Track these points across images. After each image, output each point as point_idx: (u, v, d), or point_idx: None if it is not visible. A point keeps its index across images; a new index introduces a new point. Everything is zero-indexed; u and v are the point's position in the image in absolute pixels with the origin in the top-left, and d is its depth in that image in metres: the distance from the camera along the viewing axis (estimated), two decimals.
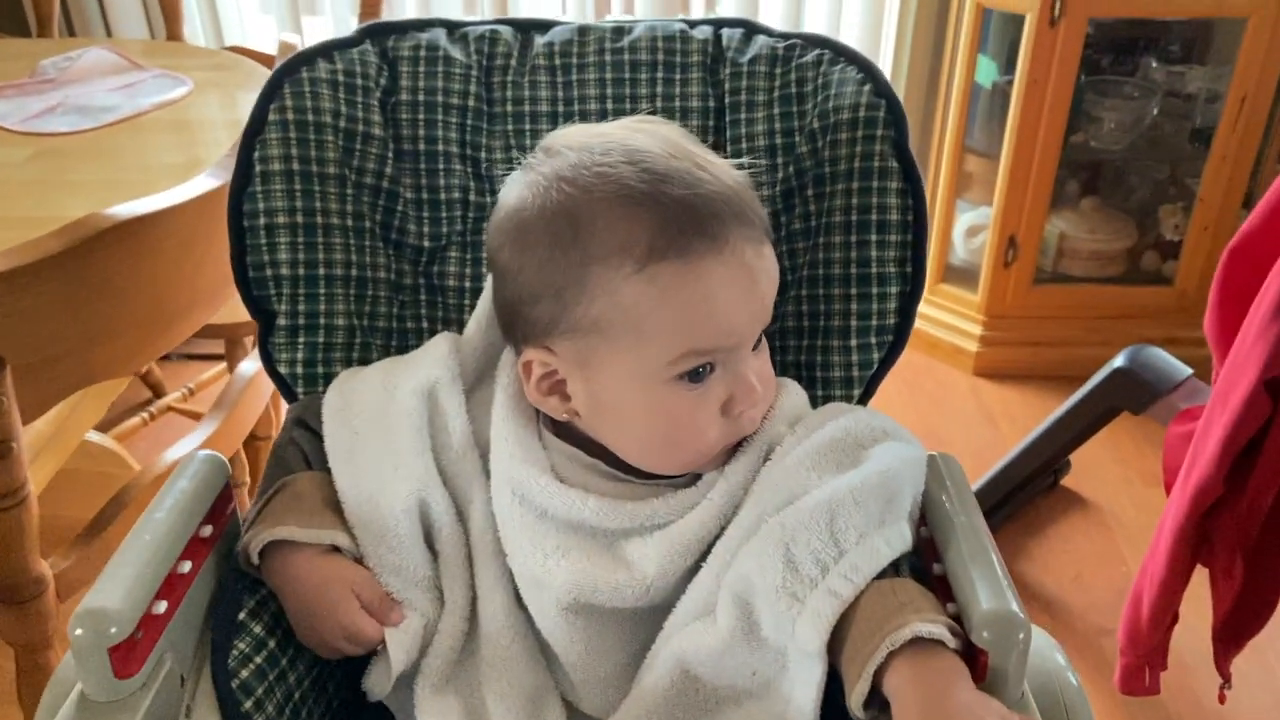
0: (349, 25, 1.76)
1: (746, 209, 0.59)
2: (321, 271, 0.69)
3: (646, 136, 0.60)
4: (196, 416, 1.66)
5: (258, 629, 0.59)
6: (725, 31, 0.76)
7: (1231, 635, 1.15)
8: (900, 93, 2.16)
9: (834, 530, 0.55)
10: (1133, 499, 1.75)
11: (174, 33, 1.69)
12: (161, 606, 0.54)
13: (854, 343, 0.70)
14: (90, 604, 0.51)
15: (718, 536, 0.60)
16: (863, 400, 0.71)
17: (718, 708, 0.59)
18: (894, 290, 0.70)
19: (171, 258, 0.75)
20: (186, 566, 0.57)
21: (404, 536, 0.61)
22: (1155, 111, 1.94)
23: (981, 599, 0.52)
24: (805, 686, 0.55)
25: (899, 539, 0.57)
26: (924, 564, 0.60)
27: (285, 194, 0.68)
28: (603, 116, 0.75)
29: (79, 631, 0.50)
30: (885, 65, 2.18)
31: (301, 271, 0.69)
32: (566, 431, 0.64)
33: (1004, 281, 2.04)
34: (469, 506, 0.63)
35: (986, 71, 1.98)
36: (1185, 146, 1.98)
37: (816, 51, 0.73)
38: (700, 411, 0.60)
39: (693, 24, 0.77)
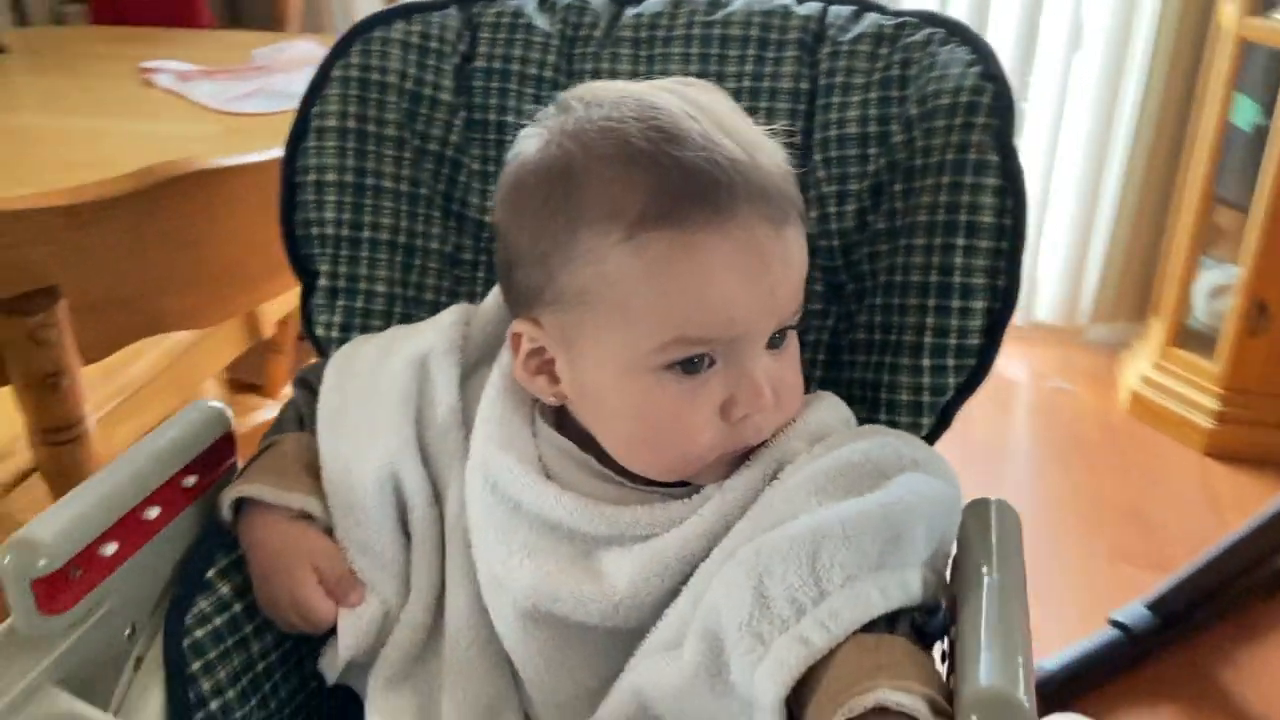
0: None
1: (767, 183, 0.51)
2: (366, 234, 0.67)
3: (673, 96, 0.53)
4: None
5: (225, 589, 0.56)
6: (834, 9, 0.68)
7: None
8: (1150, 131, 1.97)
9: (816, 567, 0.46)
10: None
11: None
12: (111, 548, 0.52)
13: (926, 362, 0.60)
14: (23, 533, 0.49)
15: (704, 559, 0.52)
16: (934, 434, 0.60)
17: None
18: (979, 305, 0.59)
19: (250, 215, 0.75)
20: (153, 513, 0.55)
21: (371, 510, 0.56)
22: None
23: (981, 674, 0.41)
24: None
25: (899, 589, 0.47)
26: (948, 626, 0.49)
27: (338, 152, 0.66)
28: None
29: (7, 559, 0.49)
30: (1130, 97, 1.99)
31: (346, 232, 0.67)
32: (564, 422, 0.58)
33: (1249, 352, 1.80)
34: (446, 489, 0.58)
35: (1245, 112, 1.75)
36: None
37: (928, 30, 0.64)
38: (691, 409, 0.52)
39: (800, 1, 0.69)
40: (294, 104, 1.33)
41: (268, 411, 1.32)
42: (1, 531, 0.77)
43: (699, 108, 0.52)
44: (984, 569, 0.48)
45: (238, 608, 0.57)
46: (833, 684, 0.43)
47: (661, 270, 0.50)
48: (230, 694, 0.55)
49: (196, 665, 0.54)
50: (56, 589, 0.50)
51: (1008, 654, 0.42)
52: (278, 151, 0.76)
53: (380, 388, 0.59)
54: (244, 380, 1.56)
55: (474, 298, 0.71)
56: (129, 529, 0.54)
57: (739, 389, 0.52)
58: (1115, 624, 1.46)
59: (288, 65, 1.51)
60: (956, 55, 0.61)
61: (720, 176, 0.49)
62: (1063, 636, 1.48)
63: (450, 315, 0.62)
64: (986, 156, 0.59)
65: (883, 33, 0.65)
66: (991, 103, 0.59)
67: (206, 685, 0.54)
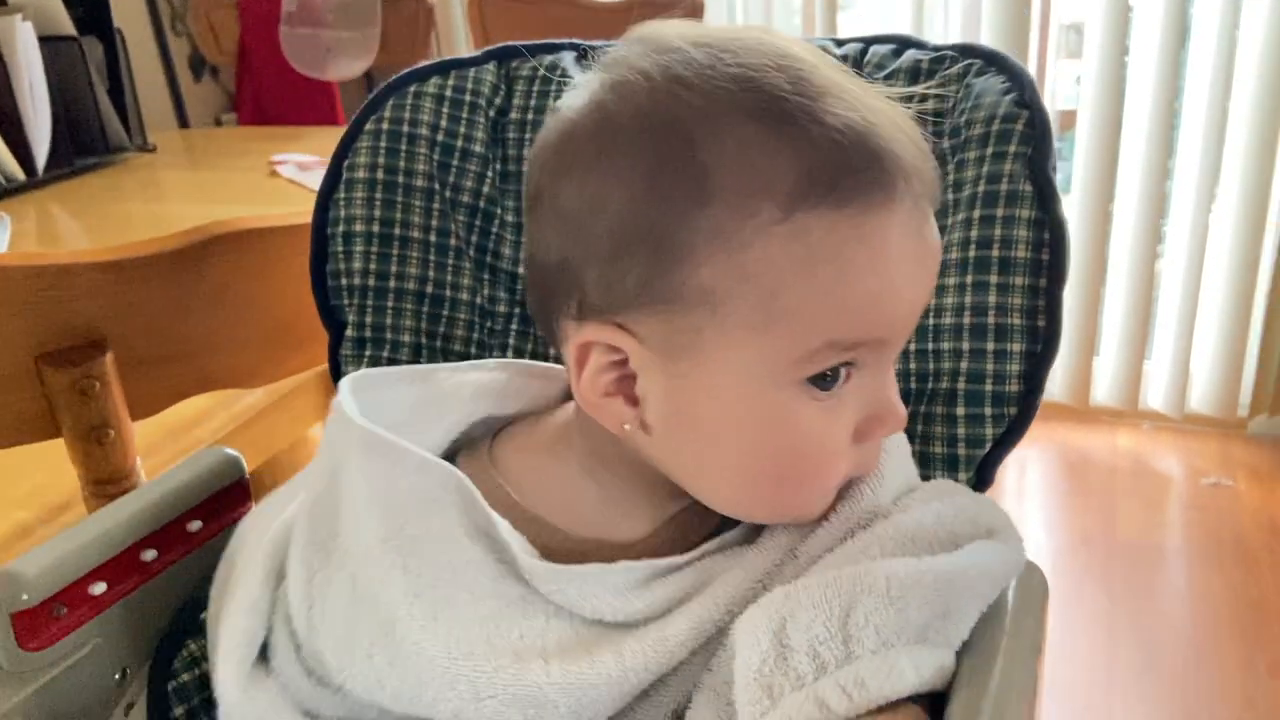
0: None
1: (924, 159, 0.43)
2: (392, 284, 0.66)
3: (795, 43, 0.43)
4: None
5: None
6: (874, 47, 0.64)
7: None
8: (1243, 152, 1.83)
9: (848, 623, 0.40)
10: None
11: None
12: (100, 588, 0.52)
13: (960, 411, 0.54)
14: (8, 566, 0.49)
15: None
16: (975, 490, 0.54)
17: None
18: (1017, 348, 0.53)
19: (300, 275, 0.75)
20: (149, 555, 0.54)
21: None
22: None
23: None
24: None
25: (934, 669, 0.40)
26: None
27: (366, 202, 0.67)
28: None
29: None
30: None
31: (373, 282, 0.66)
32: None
33: None
34: None
35: None
36: None
37: (965, 62, 0.59)
38: (831, 432, 0.44)
39: (841, 42, 0.66)
40: None
41: None
42: None
43: (829, 60, 0.43)
44: (998, 636, 0.41)
45: None
46: None
47: (824, 260, 0.41)
48: None
49: (179, 710, 0.53)
50: (38, 624, 0.49)
51: None
52: None
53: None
54: None
55: (506, 350, 0.69)
56: (122, 569, 0.53)
57: (879, 406, 0.45)
58: None
59: None
60: (991, 84, 0.57)
61: (886, 144, 0.41)
62: None
63: None
64: (1019, 186, 0.53)
65: (919, 67, 0.61)
66: (1025, 130, 0.54)
67: None
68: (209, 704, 0.54)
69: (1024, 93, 0.55)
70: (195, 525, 0.57)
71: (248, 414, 0.92)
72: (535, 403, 0.56)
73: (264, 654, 0.49)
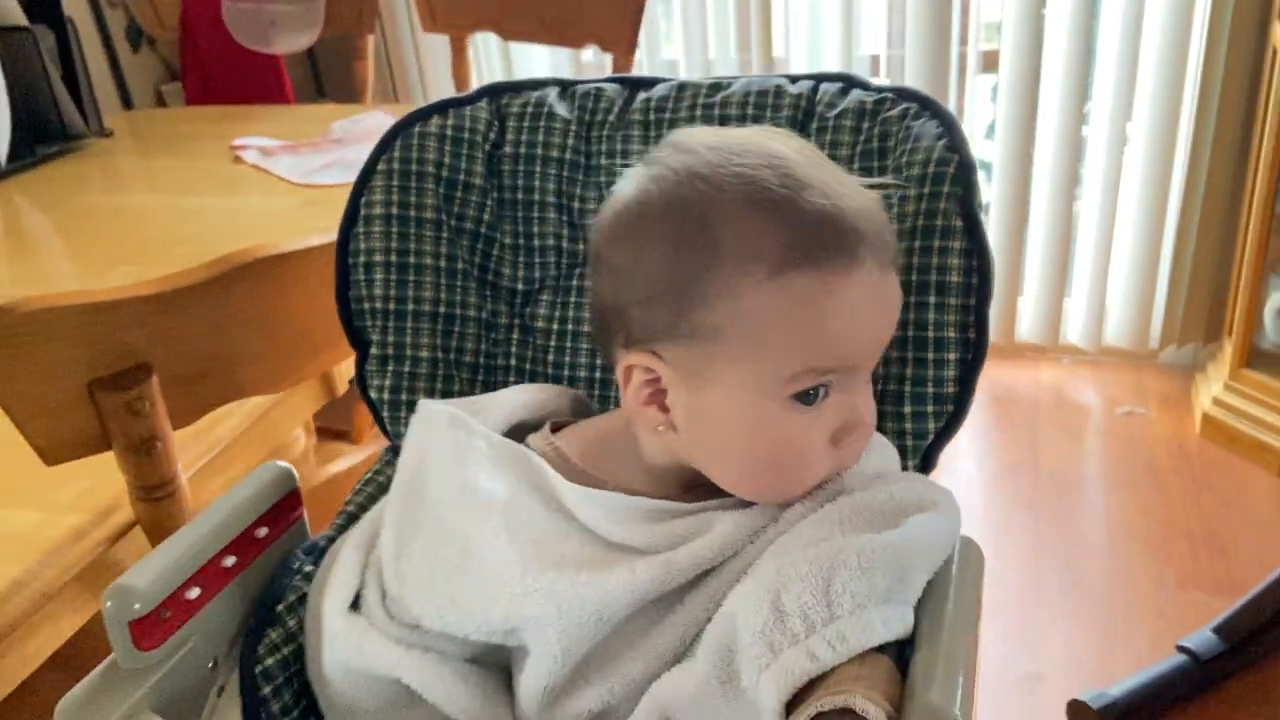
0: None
1: (883, 230, 0.57)
2: (410, 307, 0.75)
3: (783, 144, 0.58)
4: None
5: (291, 623, 0.64)
6: (824, 86, 0.74)
7: None
8: (1206, 154, 1.97)
9: (830, 591, 0.51)
10: None
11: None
12: (195, 592, 0.61)
13: (907, 409, 0.66)
14: (121, 581, 0.58)
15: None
16: (920, 473, 0.66)
17: None
18: (952, 357, 0.65)
19: (311, 292, 0.84)
20: (230, 561, 0.64)
21: None
22: None
23: (927, 691, 0.47)
24: None
25: (899, 623, 0.52)
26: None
27: (383, 235, 0.75)
28: None
29: (108, 604, 0.57)
30: (1187, 121, 1.99)
31: (393, 306, 0.75)
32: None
33: None
34: None
35: None
36: None
37: (904, 105, 0.70)
38: (810, 436, 0.57)
39: (794, 79, 0.76)
40: None
41: (352, 458, 1.42)
42: (110, 575, 0.88)
43: (810, 155, 0.58)
44: (944, 601, 0.53)
45: (302, 638, 0.65)
46: (821, 685, 0.49)
47: (801, 308, 0.54)
48: (295, 713, 0.63)
49: (267, 689, 0.62)
50: (150, 629, 0.58)
51: (952, 678, 0.48)
52: (328, 237, 0.86)
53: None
54: (331, 428, 1.67)
55: (509, 357, 0.79)
56: (210, 575, 0.62)
57: (849, 417, 0.58)
58: (1183, 650, 1.46)
59: (362, 137, 1.63)
60: (927, 129, 0.67)
61: (852, 224, 0.55)
62: (1132, 664, 1.49)
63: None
64: (952, 222, 0.64)
65: (864, 108, 0.71)
66: (955, 173, 0.65)
67: (275, 707, 0.62)
68: (290, 681, 0.64)
69: (954, 138, 0.66)
70: (262, 532, 0.67)
71: (257, 411, 1.00)
72: (551, 410, 0.71)
73: (354, 609, 0.63)
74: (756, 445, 0.58)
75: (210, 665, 0.63)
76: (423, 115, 0.78)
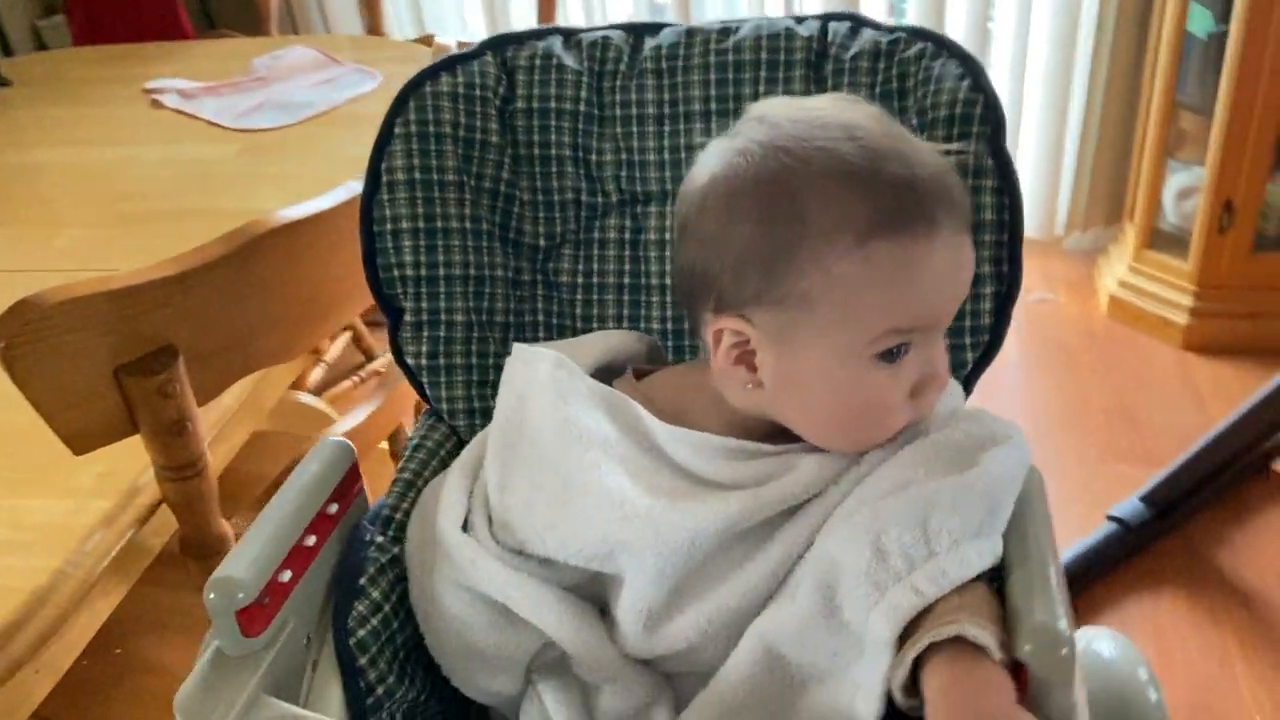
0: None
1: (957, 195, 0.60)
2: (441, 272, 0.76)
3: (860, 113, 0.60)
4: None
5: (375, 594, 0.66)
6: (832, 25, 0.76)
7: None
8: (1107, 44, 2.05)
9: (928, 529, 0.56)
10: None
11: (375, 27, 1.82)
12: (286, 575, 0.62)
13: (946, 342, 0.70)
14: (221, 572, 0.59)
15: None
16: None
17: (802, 687, 0.60)
18: (988, 290, 0.69)
19: (322, 257, 0.83)
20: (311, 540, 0.65)
21: None
22: None
23: (1032, 611, 0.52)
24: (872, 675, 0.56)
25: (990, 553, 0.57)
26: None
27: (408, 201, 0.75)
28: (707, 118, 0.77)
29: (212, 596, 0.58)
30: (1089, 12, 2.06)
31: (424, 272, 0.75)
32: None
33: (1219, 249, 1.90)
34: None
35: (1200, 21, 1.83)
36: None
37: (920, 45, 0.72)
38: (893, 392, 0.60)
39: (800, 20, 0.77)
40: (305, 114, 1.41)
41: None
42: (140, 558, 0.87)
43: (886, 125, 0.60)
44: (1024, 526, 0.59)
45: (386, 608, 0.66)
46: (927, 617, 0.54)
47: (886, 275, 0.57)
48: (390, 679, 0.65)
49: (363, 660, 0.64)
50: (254, 615, 0.60)
51: (1049, 595, 0.53)
52: (339, 200, 0.85)
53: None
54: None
55: (536, 314, 0.80)
56: (296, 557, 0.63)
57: (927, 371, 0.61)
58: (1113, 519, 1.58)
59: (287, 74, 1.57)
60: (948, 69, 0.70)
61: (930, 191, 0.58)
62: (1064, 537, 1.59)
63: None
64: (983, 163, 0.68)
65: (879, 49, 0.74)
66: (983, 113, 0.69)
67: (372, 675, 0.64)
68: (382, 650, 0.66)
69: (977, 79, 0.69)
70: (333, 508, 0.68)
71: (249, 381, 0.99)
72: (631, 354, 0.74)
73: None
74: (841, 403, 0.61)
75: (304, 643, 0.65)
76: (431, 74, 0.77)
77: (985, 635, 0.51)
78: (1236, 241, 1.89)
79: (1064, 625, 0.51)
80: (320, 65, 1.58)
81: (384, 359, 1.93)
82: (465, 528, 0.66)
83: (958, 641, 0.52)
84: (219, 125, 1.44)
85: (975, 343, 0.70)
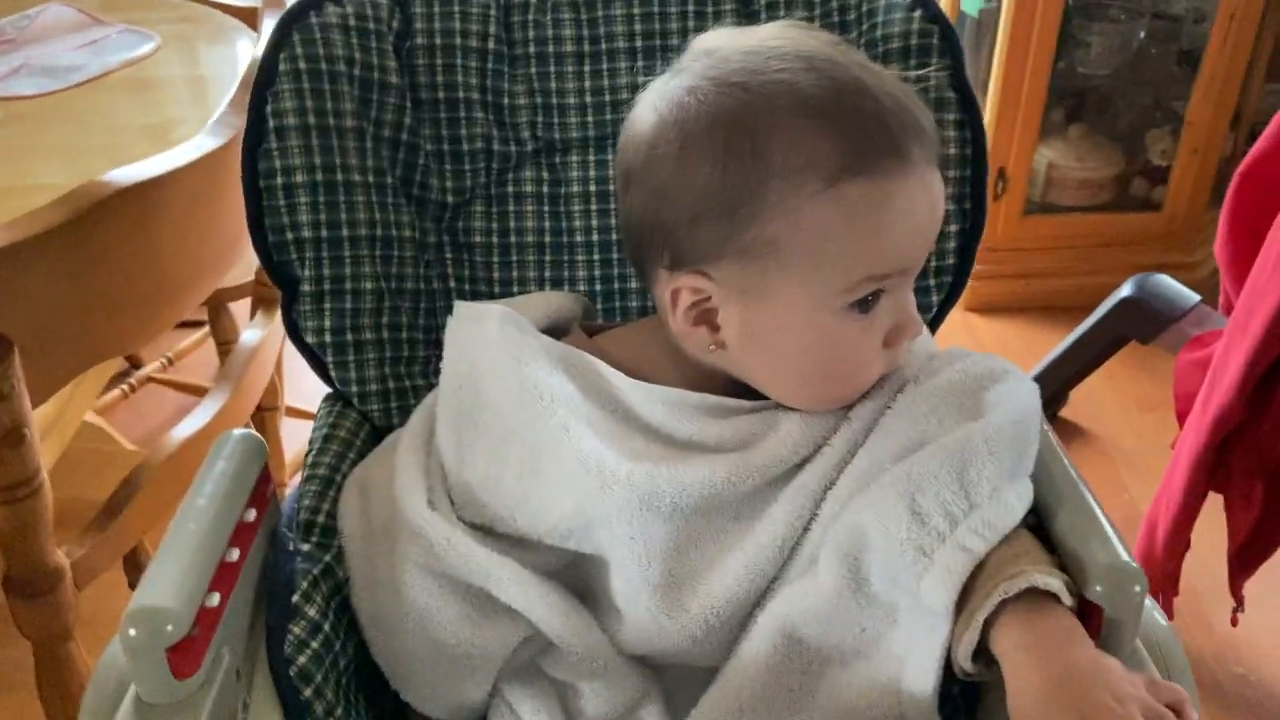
0: None
1: (927, 126, 0.54)
2: (345, 233, 0.65)
3: (817, 42, 0.55)
4: (180, 387, 1.61)
5: (312, 612, 0.55)
6: None
7: (1248, 560, 1.16)
8: None
9: (965, 481, 0.52)
10: (1131, 427, 1.75)
11: None
12: (215, 599, 0.51)
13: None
14: (143, 602, 0.47)
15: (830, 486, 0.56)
16: None
17: (823, 670, 0.55)
18: (953, 229, 0.67)
19: (175, 225, 0.70)
20: (235, 554, 0.53)
21: None
22: (1142, 35, 1.92)
23: (1095, 551, 0.50)
24: (927, 648, 0.52)
25: (1027, 494, 0.54)
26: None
27: (302, 150, 0.64)
28: (632, 56, 0.71)
29: (132, 632, 0.46)
30: None
31: (325, 233, 0.65)
32: None
33: (994, 214, 2.02)
34: None
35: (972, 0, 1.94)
36: (1172, 69, 1.96)
37: None
38: (867, 343, 0.56)
39: None
40: (76, 79, 1.22)
41: None
42: None
43: (845, 52, 0.55)
44: (1050, 461, 0.57)
45: (326, 627, 0.56)
46: (981, 573, 0.50)
47: (860, 217, 0.52)
48: (339, 710, 0.55)
49: (308, 692, 0.53)
50: (186, 652, 0.48)
51: (1104, 532, 0.51)
52: (196, 153, 0.72)
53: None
54: None
55: (446, 279, 0.71)
56: (222, 576, 0.52)
57: (900, 318, 0.56)
58: None
59: (43, 35, 1.35)
60: (895, 0, 0.67)
61: (900, 125, 0.52)
62: None
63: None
64: (945, 94, 0.66)
65: None
66: (941, 43, 0.66)
67: (320, 709, 0.54)
68: (327, 678, 0.55)
69: (929, 7, 0.66)
70: (251, 515, 0.56)
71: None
72: (570, 315, 0.65)
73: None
74: (814, 357, 0.56)
75: (235, 679, 0.53)
76: (314, 3, 0.66)
77: (1055, 582, 0.48)
78: (1009, 207, 2.01)
79: (1133, 562, 0.49)
80: (82, 26, 1.37)
81: (155, 364, 1.72)
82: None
83: (1026, 593, 0.48)
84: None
85: (939, 284, 0.68)
